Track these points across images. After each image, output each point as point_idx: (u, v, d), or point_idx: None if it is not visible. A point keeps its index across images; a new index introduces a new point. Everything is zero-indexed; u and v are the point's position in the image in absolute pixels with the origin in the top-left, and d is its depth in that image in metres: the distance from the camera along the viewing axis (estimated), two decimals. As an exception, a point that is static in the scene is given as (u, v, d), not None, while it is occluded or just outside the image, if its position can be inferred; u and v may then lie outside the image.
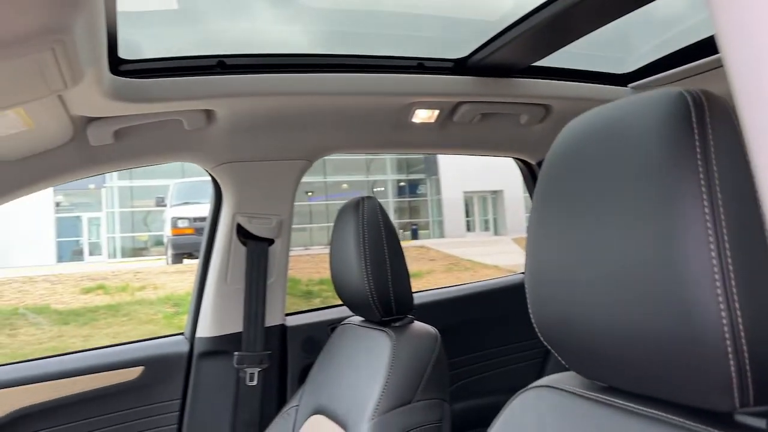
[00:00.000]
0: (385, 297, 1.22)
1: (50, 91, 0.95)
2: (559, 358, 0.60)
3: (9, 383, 1.44)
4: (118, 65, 1.24)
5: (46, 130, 1.23)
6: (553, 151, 0.59)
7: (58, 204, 16.91)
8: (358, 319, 1.39)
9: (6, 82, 0.80)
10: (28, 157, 1.34)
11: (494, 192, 17.98)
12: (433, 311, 1.75)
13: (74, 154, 1.39)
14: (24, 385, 1.45)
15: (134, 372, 1.54)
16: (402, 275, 1.26)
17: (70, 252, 17.04)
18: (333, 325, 1.68)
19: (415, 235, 17.84)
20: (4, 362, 1.53)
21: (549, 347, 0.60)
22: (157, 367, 1.57)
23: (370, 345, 1.25)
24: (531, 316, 0.60)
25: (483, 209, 18.95)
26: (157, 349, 1.61)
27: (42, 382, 1.47)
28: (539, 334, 0.60)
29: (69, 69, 0.85)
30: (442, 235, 17.71)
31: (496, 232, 18.00)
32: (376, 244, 1.23)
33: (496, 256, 10.20)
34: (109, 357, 1.57)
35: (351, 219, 1.26)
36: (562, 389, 0.63)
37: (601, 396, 0.58)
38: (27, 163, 1.35)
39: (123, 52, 1.23)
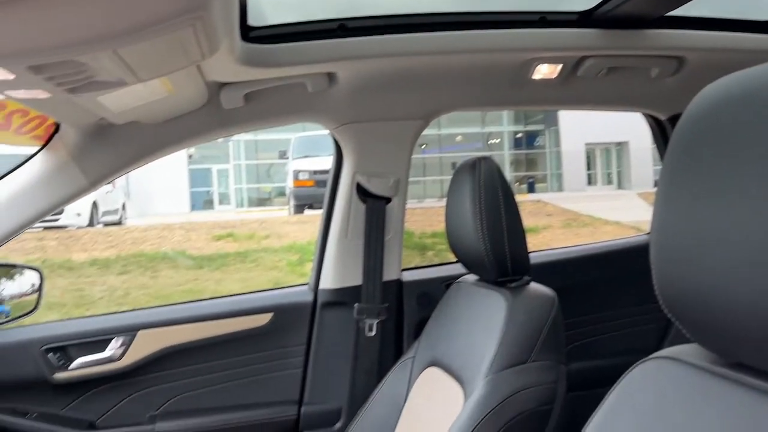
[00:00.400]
0: (501, 258, 1.23)
1: (190, 62, 1.02)
2: (682, 329, 0.58)
3: (158, 324, 1.61)
4: (248, 32, 1.31)
5: (184, 96, 1.33)
6: (693, 110, 0.55)
7: (190, 156, 18.13)
8: (473, 277, 1.41)
9: (152, 58, 0.88)
10: (168, 121, 1.46)
11: (619, 143, 17.03)
12: (550, 272, 1.72)
13: (208, 116, 1.50)
14: (170, 326, 1.62)
15: (264, 318, 1.67)
16: (518, 237, 1.26)
17: (201, 201, 18.32)
18: (448, 282, 1.71)
19: (531, 189, 17.39)
20: (153, 305, 1.72)
21: (671, 316, 0.58)
22: (284, 314, 1.69)
23: (485, 305, 1.26)
24: (654, 282, 0.59)
25: (606, 161, 18.06)
26: (284, 298, 1.73)
27: (184, 324, 1.63)
28: (661, 302, 0.58)
29: (207, 41, 0.91)
30: (560, 189, 17.13)
31: (619, 186, 17.14)
32: (493, 206, 1.23)
33: (619, 212, 9.73)
34: (241, 304, 1.71)
35: (467, 179, 1.27)
36: (685, 362, 0.61)
37: (729, 372, 0.56)
38: (167, 125, 1.48)
39: (251, 20, 1.30)
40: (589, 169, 17.90)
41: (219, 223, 10.43)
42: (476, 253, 1.24)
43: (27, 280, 1.78)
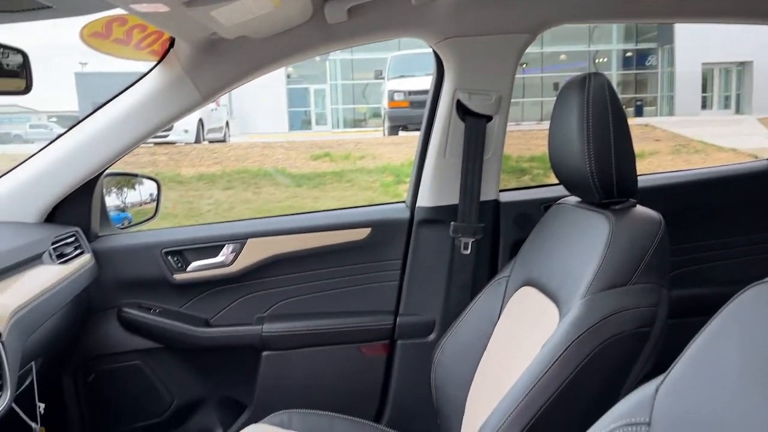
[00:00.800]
0: (606, 179, 1.19)
1: (296, -26, 1.03)
2: None
3: (265, 233, 1.71)
4: (352, -57, 1.29)
5: (290, 10, 1.35)
6: None
7: (288, 76, 18.40)
8: (574, 199, 1.38)
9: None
10: (275, 36, 1.49)
11: (741, 63, 15.57)
12: (657, 196, 1.65)
13: (312, 32, 1.51)
14: (276, 236, 1.71)
15: (363, 233, 1.73)
16: (627, 157, 1.20)
17: (299, 121, 18.71)
18: (546, 204, 1.68)
19: (639, 112, 16.38)
20: (262, 216, 1.82)
21: None
22: (382, 229, 1.74)
23: (587, 226, 1.24)
24: None
25: (725, 83, 16.62)
26: (382, 214, 1.78)
27: (289, 234, 1.72)
28: None
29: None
30: (671, 113, 16.04)
31: (738, 111, 15.80)
32: (601, 124, 1.18)
33: (735, 138, 9.02)
34: (341, 218, 1.77)
35: (575, 96, 1.22)
36: None
37: None
38: (273, 40, 1.51)
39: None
40: (704, 91, 16.57)
41: (316, 143, 10.65)
42: (580, 174, 1.21)
43: (146, 190, 1.93)
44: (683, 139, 9.42)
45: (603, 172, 1.18)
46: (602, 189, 1.19)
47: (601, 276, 1.11)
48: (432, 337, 1.72)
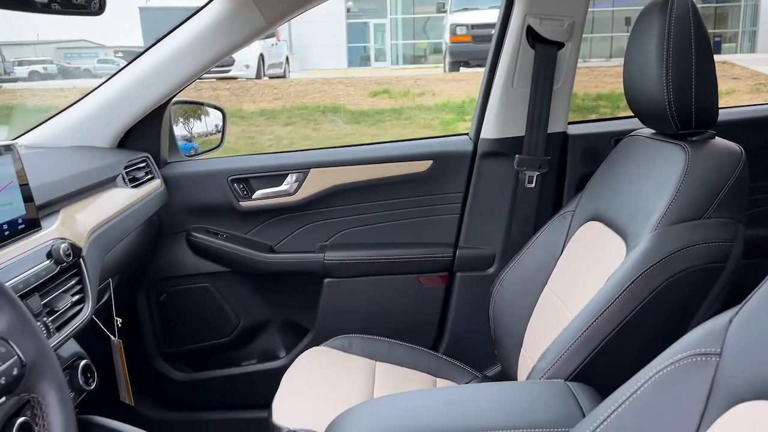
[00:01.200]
0: (685, 108, 1.13)
1: None
2: None
3: (328, 164, 1.72)
4: None
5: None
6: None
7: (348, 10, 18.09)
8: (648, 131, 1.32)
9: None
10: None
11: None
12: (738, 130, 1.56)
13: None
14: (338, 166, 1.72)
15: (424, 165, 1.72)
16: (708, 86, 1.13)
17: (358, 57, 18.50)
18: (617, 137, 1.62)
19: (717, 49, 15.38)
20: (324, 146, 1.82)
21: None
22: (443, 162, 1.72)
23: (660, 158, 1.19)
24: None
25: (815, 18, 15.35)
26: (445, 147, 1.75)
27: (351, 165, 1.72)
28: None
29: None
30: (752, 50, 15.00)
31: (830, 47, 14.63)
32: (682, 49, 1.11)
33: (825, 77, 8.39)
34: (403, 150, 1.76)
35: (655, 19, 1.14)
36: None
37: None
38: None
39: None
40: (793, 26, 15.37)
41: (375, 79, 10.54)
42: (656, 103, 1.15)
43: (211, 121, 1.97)
44: (765, 78, 8.82)
45: (681, 100, 1.12)
46: (679, 119, 1.14)
47: (673, 209, 1.07)
48: (491, 270, 1.72)
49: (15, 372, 0.65)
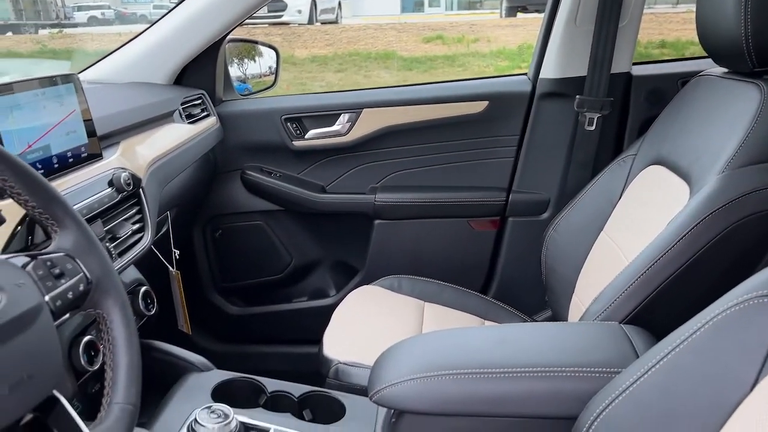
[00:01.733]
0: (763, 43, 1.05)
1: None
2: None
3: (380, 104, 1.70)
4: None
5: None
6: None
7: (402, -46, 17.58)
8: (719, 71, 1.24)
9: None
10: None
11: None
12: None
13: None
14: (391, 107, 1.70)
15: (480, 105, 1.67)
16: None
17: (411, 3, 18.06)
18: (684, 78, 1.54)
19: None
20: (374, 87, 1.80)
21: None
22: (500, 103, 1.67)
23: (732, 97, 1.12)
24: None
25: None
26: (501, 87, 1.70)
27: (404, 106, 1.70)
28: None
29: None
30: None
31: None
32: None
33: None
34: (459, 90, 1.72)
35: None
36: None
37: None
38: None
39: None
40: None
41: (428, 25, 10.33)
42: (731, 38, 1.07)
43: (265, 62, 1.96)
44: None
45: (760, 34, 1.04)
46: (757, 55, 1.06)
47: (744, 150, 1.01)
48: (545, 215, 1.69)
49: (81, 288, 0.68)
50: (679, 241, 1.00)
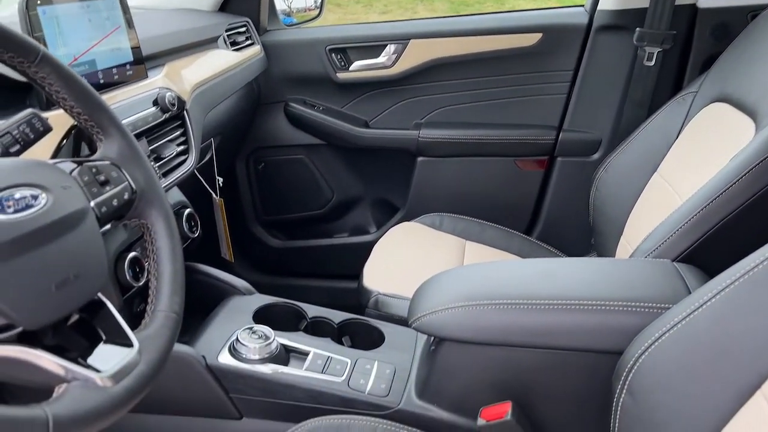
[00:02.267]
0: None
1: None
2: None
3: (429, 35, 1.64)
4: None
5: None
6: None
7: None
8: None
9: None
10: None
11: None
12: None
13: None
14: (440, 38, 1.64)
15: (532, 38, 1.60)
16: None
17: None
18: (755, 11, 1.43)
19: None
20: (424, 17, 1.73)
21: None
22: (554, 35, 1.59)
23: None
24: None
25: None
26: (556, 19, 1.62)
27: (453, 37, 1.63)
28: None
29: None
30: None
31: None
32: None
33: None
34: (511, 21, 1.64)
35: None
36: None
37: None
38: None
39: None
40: None
41: (479, -35, 9.89)
42: None
43: (310, -7, 1.91)
44: None
45: None
46: None
47: None
48: (596, 156, 1.63)
49: (126, 196, 0.67)
50: (741, 177, 0.94)
